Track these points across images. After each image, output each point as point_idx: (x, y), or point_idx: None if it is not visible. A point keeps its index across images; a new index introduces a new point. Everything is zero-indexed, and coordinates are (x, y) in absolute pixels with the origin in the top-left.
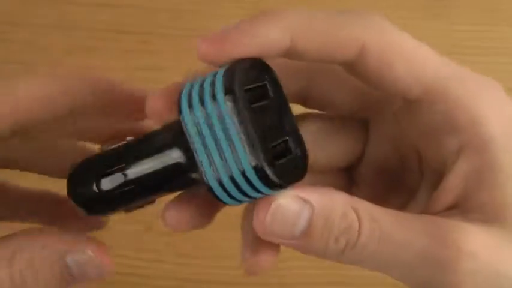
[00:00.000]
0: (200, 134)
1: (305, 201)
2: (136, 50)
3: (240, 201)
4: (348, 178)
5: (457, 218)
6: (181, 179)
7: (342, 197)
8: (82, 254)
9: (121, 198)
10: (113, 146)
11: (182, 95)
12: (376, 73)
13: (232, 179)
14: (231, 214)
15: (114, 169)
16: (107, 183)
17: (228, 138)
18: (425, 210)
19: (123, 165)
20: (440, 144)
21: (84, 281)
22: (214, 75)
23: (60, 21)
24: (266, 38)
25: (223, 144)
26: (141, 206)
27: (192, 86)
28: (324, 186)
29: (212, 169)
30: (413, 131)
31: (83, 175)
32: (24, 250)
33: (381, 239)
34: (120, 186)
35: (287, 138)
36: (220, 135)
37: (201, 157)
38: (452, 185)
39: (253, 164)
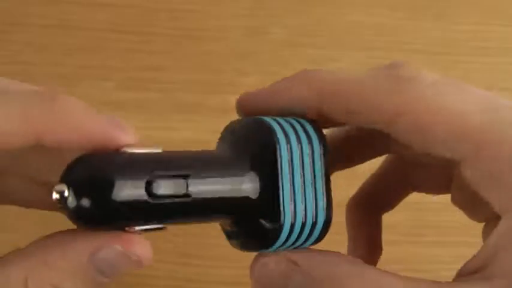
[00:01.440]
0: (291, 172)
1: (294, 262)
2: (136, 50)
3: (278, 247)
4: None
5: (481, 284)
6: (242, 210)
7: (342, 265)
8: (110, 250)
9: (163, 212)
10: (166, 150)
11: (273, 126)
12: (414, 140)
13: (303, 226)
14: None
15: (175, 174)
16: (163, 188)
17: (313, 184)
18: (457, 275)
19: (189, 173)
20: (488, 199)
21: (118, 276)
22: (298, 121)
23: (60, 21)
24: (296, 101)
25: (307, 189)
26: (156, 228)
27: (277, 121)
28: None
29: (290, 210)
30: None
31: (125, 172)
32: (40, 268)
33: None
34: (176, 196)
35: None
36: (308, 179)
37: (285, 196)
38: (485, 248)
39: (326, 218)
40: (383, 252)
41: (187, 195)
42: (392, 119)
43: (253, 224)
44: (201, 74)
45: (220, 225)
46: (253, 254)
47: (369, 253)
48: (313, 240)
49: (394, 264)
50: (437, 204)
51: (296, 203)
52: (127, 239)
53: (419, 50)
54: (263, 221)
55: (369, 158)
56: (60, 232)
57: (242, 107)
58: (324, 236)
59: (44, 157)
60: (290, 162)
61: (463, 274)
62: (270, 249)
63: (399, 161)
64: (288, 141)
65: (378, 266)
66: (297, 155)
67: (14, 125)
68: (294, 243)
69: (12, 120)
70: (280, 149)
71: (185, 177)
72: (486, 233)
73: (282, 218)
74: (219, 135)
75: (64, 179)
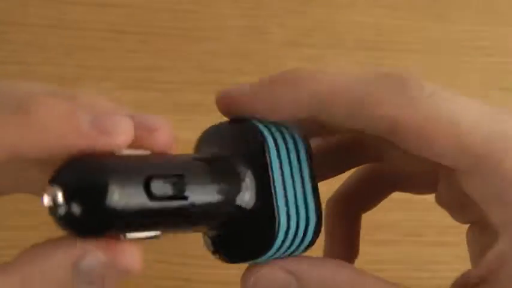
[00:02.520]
0: (282, 178)
1: (291, 272)
2: (136, 50)
3: (270, 256)
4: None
5: None
6: (236, 217)
7: (341, 274)
8: (93, 259)
9: (160, 215)
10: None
11: (264, 131)
12: (415, 149)
13: (296, 230)
14: None
15: (172, 173)
16: (162, 188)
17: (302, 187)
18: (454, 284)
19: (184, 173)
20: (486, 211)
21: (107, 285)
22: (283, 125)
23: (60, 21)
24: (289, 104)
25: (298, 193)
26: (151, 237)
27: (266, 125)
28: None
29: (284, 215)
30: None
31: (121, 174)
32: (27, 280)
33: None
34: (174, 198)
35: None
36: (297, 182)
37: (279, 200)
38: (489, 260)
39: (318, 220)
40: (383, 252)
41: (184, 197)
42: (393, 126)
43: (247, 231)
44: (201, 74)
45: (204, 240)
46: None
47: (345, 253)
48: (306, 245)
49: (394, 264)
50: (437, 204)
51: (289, 207)
52: (112, 247)
53: (419, 50)
54: (257, 228)
55: (356, 164)
56: (43, 243)
57: (223, 105)
58: (315, 239)
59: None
60: (280, 167)
61: (465, 285)
62: (262, 258)
63: (379, 168)
64: (277, 147)
65: (379, 265)
66: (285, 160)
67: None
68: (286, 250)
69: None
70: (270, 155)
71: (181, 177)
72: (471, 235)
73: (276, 223)
74: None
75: (56, 182)
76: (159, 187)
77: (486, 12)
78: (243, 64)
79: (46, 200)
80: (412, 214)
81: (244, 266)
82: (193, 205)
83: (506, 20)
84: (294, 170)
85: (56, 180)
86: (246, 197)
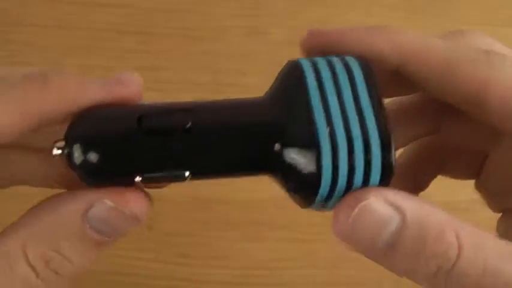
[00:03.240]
0: (323, 94)
1: (397, 208)
2: (136, 50)
3: (331, 194)
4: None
5: None
6: (267, 143)
7: (442, 215)
8: (101, 206)
9: (161, 152)
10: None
11: (303, 62)
12: (500, 116)
13: (350, 146)
14: (231, 214)
15: (172, 108)
16: (155, 121)
17: (357, 107)
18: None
19: (190, 108)
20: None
21: (119, 235)
22: (342, 58)
23: (60, 21)
24: (375, 48)
25: (348, 110)
26: (174, 178)
27: (314, 60)
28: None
29: (326, 129)
30: None
31: (116, 113)
32: (36, 233)
33: (487, 272)
34: (172, 130)
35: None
36: (348, 101)
37: (317, 114)
38: None
39: (383, 137)
40: None
41: (187, 129)
42: (481, 89)
43: (288, 157)
44: (201, 74)
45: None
46: (254, 254)
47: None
48: (379, 168)
49: None
50: (437, 204)
51: (334, 122)
52: (118, 193)
53: None
54: (301, 158)
55: (416, 136)
56: (52, 196)
57: (308, 43)
58: (388, 160)
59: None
60: (321, 91)
61: None
62: (322, 193)
63: (432, 143)
64: (315, 65)
65: (379, 265)
66: (328, 76)
67: (13, 117)
68: (350, 178)
69: (10, 112)
70: (303, 68)
71: (185, 111)
72: (503, 223)
73: (316, 136)
74: None
75: (64, 135)
76: (153, 120)
77: (486, 12)
78: (243, 64)
79: (56, 151)
80: None
81: (242, 266)
82: (199, 138)
83: (507, 20)
84: (344, 93)
85: (65, 133)
86: (276, 115)
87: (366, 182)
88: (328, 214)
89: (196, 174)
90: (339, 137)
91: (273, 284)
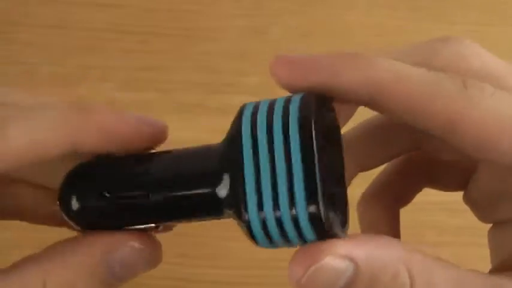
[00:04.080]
0: (256, 161)
1: (350, 258)
2: (136, 50)
3: (273, 245)
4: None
5: None
6: (209, 207)
7: (395, 252)
8: (125, 248)
9: (128, 211)
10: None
11: (244, 112)
12: (474, 148)
13: (279, 221)
14: None
15: (135, 174)
16: (123, 188)
17: (288, 176)
18: (492, 270)
19: (148, 172)
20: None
21: (131, 277)
22: (287, 102)
23: (60, 21)
24: (344, 79)
25: (280, 181)
26: (144, 229)
27: (257, 107)
28: (376, 233)
29: (257, 204)
30: None
31: (89, 176)
32: (57, 270)
33: None
34: (135, 197)
35: (338, 186)
36: (280, 169)
37: (249, 187)
38: None
39: (312, 210)
40: None
41: (145, 195)
42: (452, 124)
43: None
44: (201, 74)
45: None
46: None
47: None
48: (311, 233)
49: None
50: (437, 205)
51: (263, 192)
52: (142, 237)
53: None
54: (235, 216)
55: (395, 154)
56: (73, 237)
57: (274, 70)
58: (323, 233)
59: (50, 163)
60: (255, 150)
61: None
62: (259, 240)
63: (419, 156)
64: (255, 114)
65: None
66: (263, 142)
67: (56, 136)
68: (286, 240)
69: (54, 131)
70: (242, 120)
71: (145, 175)
72: (494, 234)
73: (246, 211)
74: (218, 135)
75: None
76: (122, 187)
77: (487, 12)
78: (243, 64)
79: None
80: (412, 214)
81: (242, 266)
82: (155, 199)
83: (507, 20)
84: (276, 146)
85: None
86: (218, 185)
87: (300, 236)
88: None
89: (165, 222)
90: (266, 210)
91: (273, 284)
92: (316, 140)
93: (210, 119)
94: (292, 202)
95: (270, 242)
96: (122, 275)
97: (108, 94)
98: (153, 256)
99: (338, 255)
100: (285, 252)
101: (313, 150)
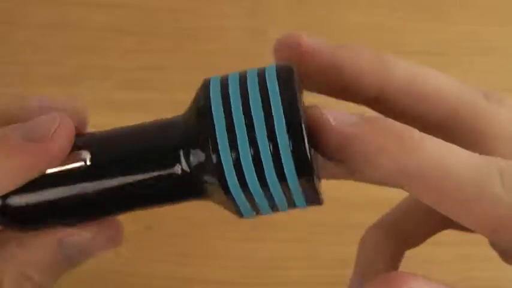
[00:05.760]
0: (230, 121)
1: None
2: (136, 50)
3: (248, 195)
4: None
5: None
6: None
7: None
8: (78, 236)
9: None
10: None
11: (211, 85)
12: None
13: (256, 157)
14: (230, 214)
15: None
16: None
17: (267, 117)
18: None
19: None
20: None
21: (86, 258)
22: (260, 69)
23: (60, 21)
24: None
25: (256, 117)
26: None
27: (225, 79)
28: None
29: (229, 141)
30: None
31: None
32: (15, 263)
33: None
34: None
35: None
36: (257, 109)
37: (218, 127)
38: None
39: (293, 142)
40: None
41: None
42: (495, 232)
43: (194, 163)
44: (201, 74)
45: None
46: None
47: None
48: (289, 160)
49: None
50: None
51: (236, 131)
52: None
53: (419, 50)
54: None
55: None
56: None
57: (281, 46)
58: (306, 168)
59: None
60: (224, 91)
61: None
62: (233, 189)
63: None
64: (225, 78)
65: None
66: (235, 87)
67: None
68: (259, 171)
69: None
70: (210, 82)
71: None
72: None
73: (215, 151)
74: None
75: None
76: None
77: (487, 12)
78: (243, 64)
79: None
80: None
81: (242, 266)
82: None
83: (507, 20)
84: (250, 96)
85: None
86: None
87: (279, 172)
88: (328, 214)
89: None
90: (241, 145)
91: (273, 284)
92: (298, 85)
93: None
94: (271, 134)
95: (246, 191)
96: (74, 255)
97: (108, 94)
98: (111, 239)
99: None
100: (285, 252)
101: (295, 89)
